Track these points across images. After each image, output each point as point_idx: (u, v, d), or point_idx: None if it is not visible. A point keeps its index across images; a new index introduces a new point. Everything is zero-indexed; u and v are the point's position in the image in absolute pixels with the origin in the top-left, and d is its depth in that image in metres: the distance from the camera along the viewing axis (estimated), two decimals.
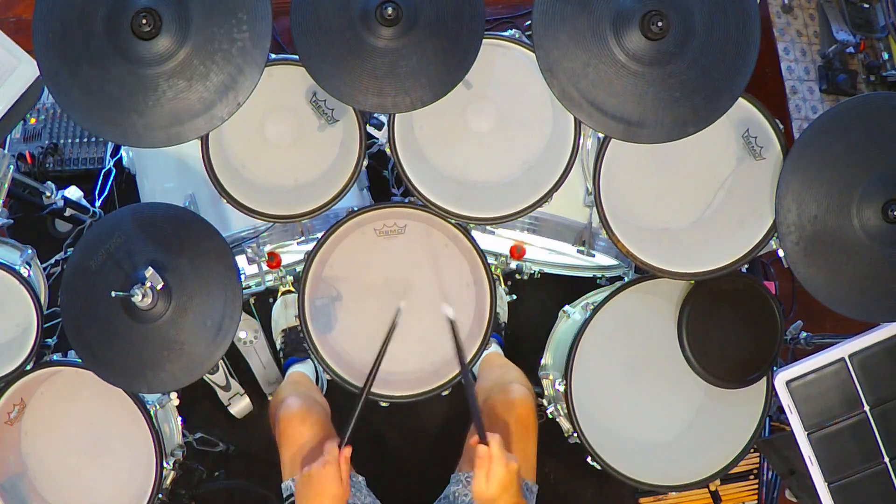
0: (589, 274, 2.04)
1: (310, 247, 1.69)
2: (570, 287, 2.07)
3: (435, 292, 1.75)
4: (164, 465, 1.61)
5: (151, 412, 1.59)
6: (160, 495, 1.63)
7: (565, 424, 1.78)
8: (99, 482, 1.68)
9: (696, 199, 1.68)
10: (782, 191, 1.48)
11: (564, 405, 1.69)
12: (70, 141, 2.28)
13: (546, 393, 1.82)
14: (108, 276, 1.46)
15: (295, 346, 2.08)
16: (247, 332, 2.13)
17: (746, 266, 1.64)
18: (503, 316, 2.14)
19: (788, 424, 1.51)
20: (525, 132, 1.68)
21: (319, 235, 1.68)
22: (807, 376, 1.50)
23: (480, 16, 1.45)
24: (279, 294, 2.09)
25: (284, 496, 1.57)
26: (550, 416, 1.85)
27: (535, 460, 1.62)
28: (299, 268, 1.78)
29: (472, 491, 1.39)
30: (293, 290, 2.01)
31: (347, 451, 1.43)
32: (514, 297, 2.13)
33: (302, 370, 2.02)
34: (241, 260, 1.73)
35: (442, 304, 1.58)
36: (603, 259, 1.85)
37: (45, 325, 1.60)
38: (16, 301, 1.58)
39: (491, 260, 1.90)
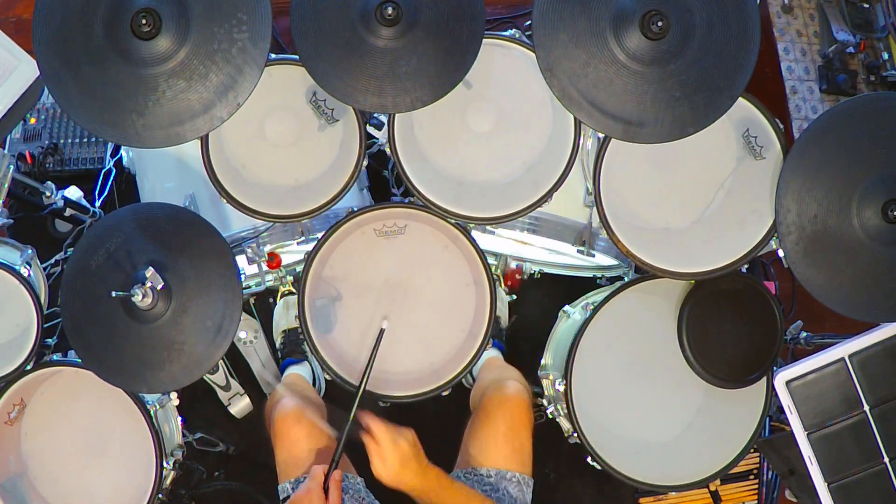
0: (589, 274, 2.04)
1: (310, 247, 1.69)
2: (570, 287, 2.07)
3: (435, 293, 1.75)
4: (164, 465, 1.61)
5: (151, 412, 1.59)
6: (160, 495, 1.62)
7: (565, 424, 1.78)
8: (99, 482, 1.68)
9: (696, 199, 1.68)
10: (782, 191, 1.48)
11: (564, 405, 1.69)
12: (70, 141, 2.28)
13: (546, 393, 1.82)
14: (108, 276, 1.46)
15: (293, 348, 2.08)
16: (247, 332, 2.13)
17: (746, 266, 1.64)
18: (503, 320, 2.14)
19: (788, 424, 1.51)
20: (525, 132, 1.68)
21: (319, 235, 1.68)
22: (807, 376, 1.50)
23: (480, 16, 1.45)
24: (279, 295, 2.09)
25: (281, 498, 1.56)
26: (550, 416, 1.85)
27: (530, 455, 1.62)
28: (299, 268, 1.79)
29: (380, 478, 1.40)
30: (294, 290, 2.01)
31: (337, 474, 1.43)
32: (514, 297, 2.13)
33: (299, 372, 2.02)
34: (241, 260, 1.73)
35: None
36: (603, 259, 1.85)
37: (45, 325, 1.60)
38: (16, 301, 1.58)
39: (491, 260, 1.90)
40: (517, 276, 2.08)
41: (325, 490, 1.41)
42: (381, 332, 1.56)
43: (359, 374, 1.60)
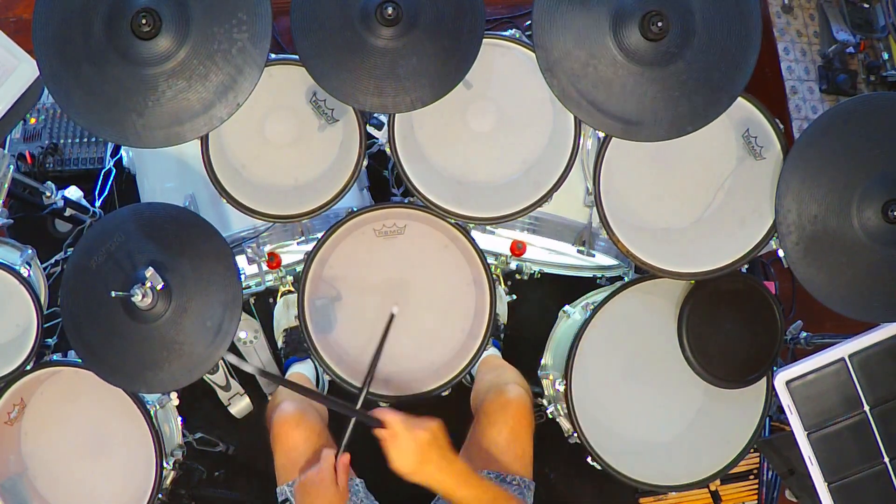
0: (589, 274, 2.04)
1: (310, 247, 1.69)
2: (570, 287, 2.07)
3: (434, 293, 1.75)
4: (164, 465, 1.61)
5: (151, 412, 1.59)
6: (160, 495, 1.62)
7: (565, 424, 1.78)
8: (99, 482, 1.68)
9: (696, 199, 1.68)
10: (782, 191, 1.48)
11: (564, 405, 1.69)
12: (70, 141, 2.28)
13: (546, 393, 1.82)
14: (108, 276, 1.46)
15: (296, 346, 2.08)
16: (247, 332, 2.13)
17: (746, 266, 1.64)
18: (503, 317, 2.14)
19: (788, 424, 1.51)
20: (525, 132, 1.68)
21: (319, 235, 1.68)
22: (807, 376, 1.50)
23: (480, 16, 1.45)
24: (279, 294, 2.09)
25: (280, 500, 1.56)
26: (550, 416, 1.85)
27: (531, 458, 1.62)
28: (299, 268, 1.79)
29: (397, 472, 1.33)
30: (294, 290, 2.01)
31: (345, 458, 1.41)
32: (514, 297, 2.13)
33: (302, 370, 2.02)
34: (241, 260, 1.73)
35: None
36: (603, 259, 1.85)
37: (45, 325, 1.60)
38: (16, 301, 1.58)
39: (491, 260, 1.90)
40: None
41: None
42: (392, 317, 1.48)
43: (361, 372, 1.59)
